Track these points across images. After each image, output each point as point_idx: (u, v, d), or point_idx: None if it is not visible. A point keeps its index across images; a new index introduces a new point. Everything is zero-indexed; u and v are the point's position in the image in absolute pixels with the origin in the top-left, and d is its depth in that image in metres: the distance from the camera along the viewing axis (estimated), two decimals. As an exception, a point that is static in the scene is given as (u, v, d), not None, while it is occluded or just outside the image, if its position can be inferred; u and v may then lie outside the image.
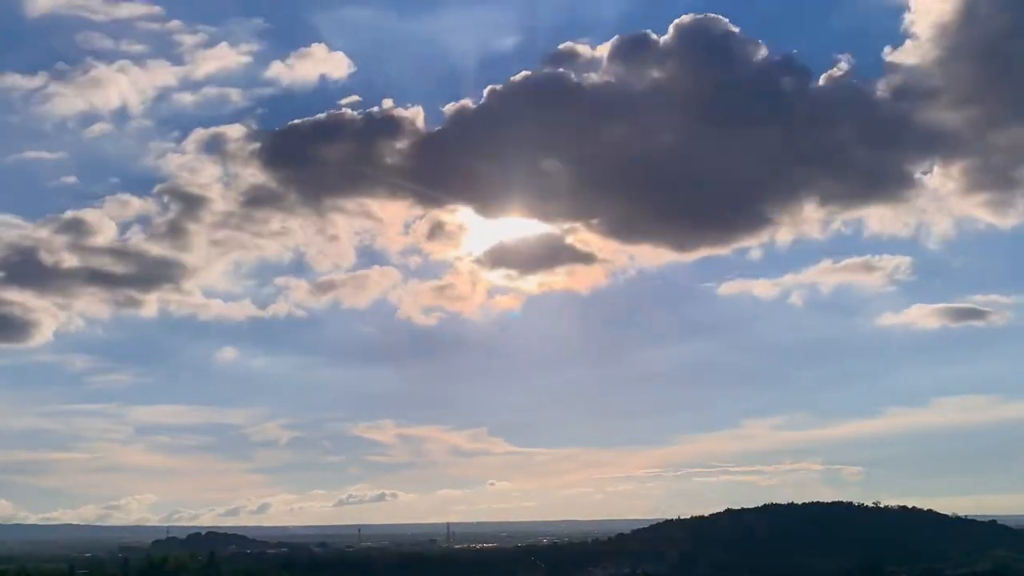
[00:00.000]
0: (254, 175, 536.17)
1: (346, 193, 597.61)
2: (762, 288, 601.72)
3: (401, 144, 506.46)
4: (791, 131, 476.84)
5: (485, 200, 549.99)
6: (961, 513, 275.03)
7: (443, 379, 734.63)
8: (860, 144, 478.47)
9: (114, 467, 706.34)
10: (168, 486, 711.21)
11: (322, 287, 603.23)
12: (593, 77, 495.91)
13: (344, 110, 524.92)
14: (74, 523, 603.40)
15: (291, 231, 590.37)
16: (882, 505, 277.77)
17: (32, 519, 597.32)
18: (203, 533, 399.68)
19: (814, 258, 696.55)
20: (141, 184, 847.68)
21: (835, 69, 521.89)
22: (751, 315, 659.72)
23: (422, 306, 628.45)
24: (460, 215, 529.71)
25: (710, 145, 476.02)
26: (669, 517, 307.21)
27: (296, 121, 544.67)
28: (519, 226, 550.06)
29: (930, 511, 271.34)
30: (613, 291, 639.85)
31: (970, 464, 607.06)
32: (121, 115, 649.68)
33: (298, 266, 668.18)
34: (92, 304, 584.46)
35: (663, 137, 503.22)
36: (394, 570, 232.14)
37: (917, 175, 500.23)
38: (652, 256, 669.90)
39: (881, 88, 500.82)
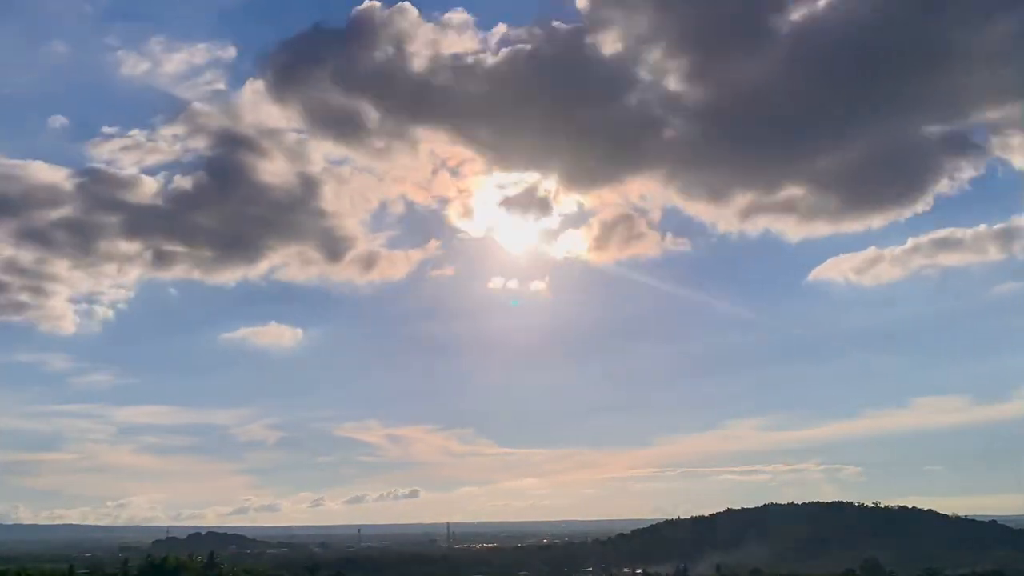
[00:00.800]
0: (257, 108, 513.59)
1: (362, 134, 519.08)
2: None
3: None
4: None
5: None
6: (961, 513, 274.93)
7: (434, 373, 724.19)
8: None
9: (106, 467, 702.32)
10: (172, 486, 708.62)
11: (322, 265, 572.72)
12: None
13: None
14: (74, 523, 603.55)
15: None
16: (882, 505, 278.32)
17: (29, 519, 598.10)
18: (203, 533, 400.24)
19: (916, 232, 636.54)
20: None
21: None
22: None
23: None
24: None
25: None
26: (669, 517, 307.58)
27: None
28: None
29: (930, 511, 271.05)
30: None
31: (970, 464, 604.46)
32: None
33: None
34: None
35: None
36: (394, 570, 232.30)
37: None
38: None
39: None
